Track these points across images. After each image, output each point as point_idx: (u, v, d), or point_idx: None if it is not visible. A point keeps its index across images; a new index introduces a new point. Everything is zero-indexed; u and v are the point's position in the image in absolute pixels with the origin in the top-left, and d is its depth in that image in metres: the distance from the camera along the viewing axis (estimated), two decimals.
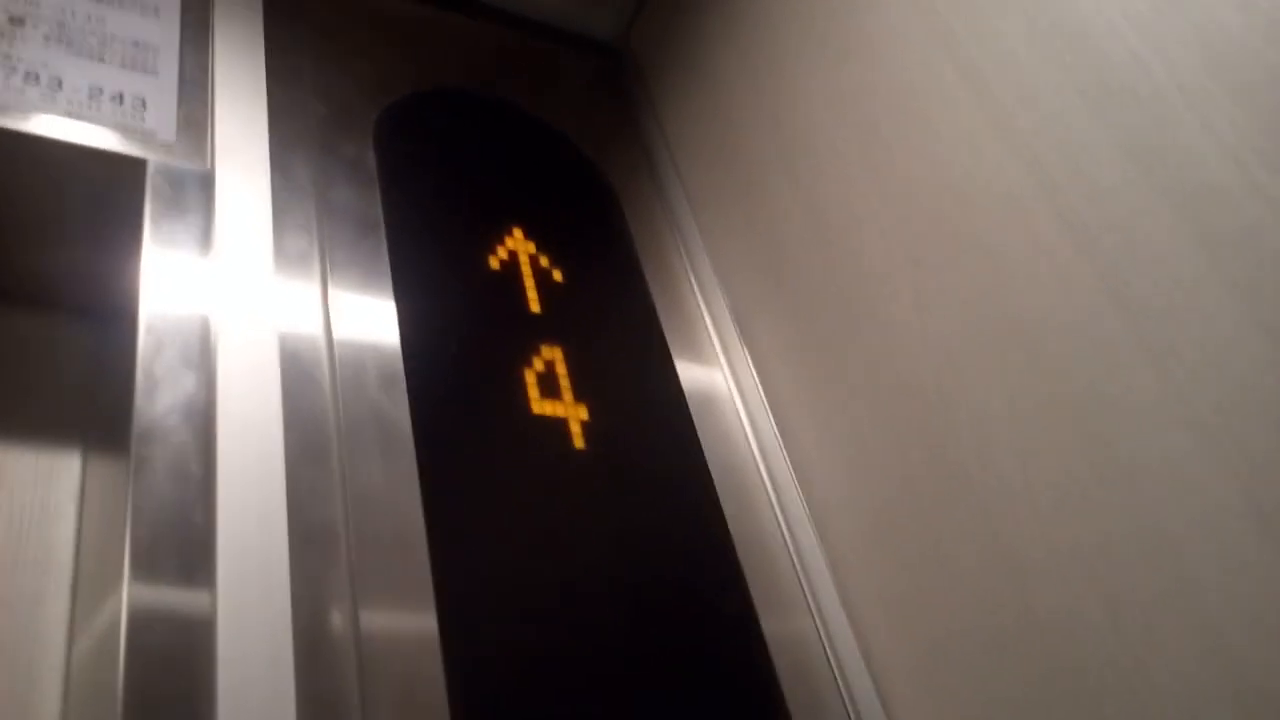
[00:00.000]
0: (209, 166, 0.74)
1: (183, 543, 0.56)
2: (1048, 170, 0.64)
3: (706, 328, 0.91)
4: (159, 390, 0.61)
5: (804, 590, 0.76)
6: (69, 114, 0.72)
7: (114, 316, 0.77)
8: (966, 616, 0.65)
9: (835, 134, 0.81)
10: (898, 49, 0.76)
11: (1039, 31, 0.66)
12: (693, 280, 0.94)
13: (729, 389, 0.87)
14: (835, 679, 0.72)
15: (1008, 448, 0.65)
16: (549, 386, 0.76)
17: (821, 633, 0.74)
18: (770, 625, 0.72)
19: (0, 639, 0.66)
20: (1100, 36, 0.62)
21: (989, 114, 0.68)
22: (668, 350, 0.85)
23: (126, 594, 0.53)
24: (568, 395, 0.76)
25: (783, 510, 0.80)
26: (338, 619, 0.57)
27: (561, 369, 0.77)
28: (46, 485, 0.73)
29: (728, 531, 0.76)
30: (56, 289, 0.80)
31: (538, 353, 0.77)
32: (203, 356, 0.64)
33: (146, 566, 0.55)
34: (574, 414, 0.75)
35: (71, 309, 0.81)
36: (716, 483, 0.79)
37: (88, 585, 0.68)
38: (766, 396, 0.85)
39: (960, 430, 0.68)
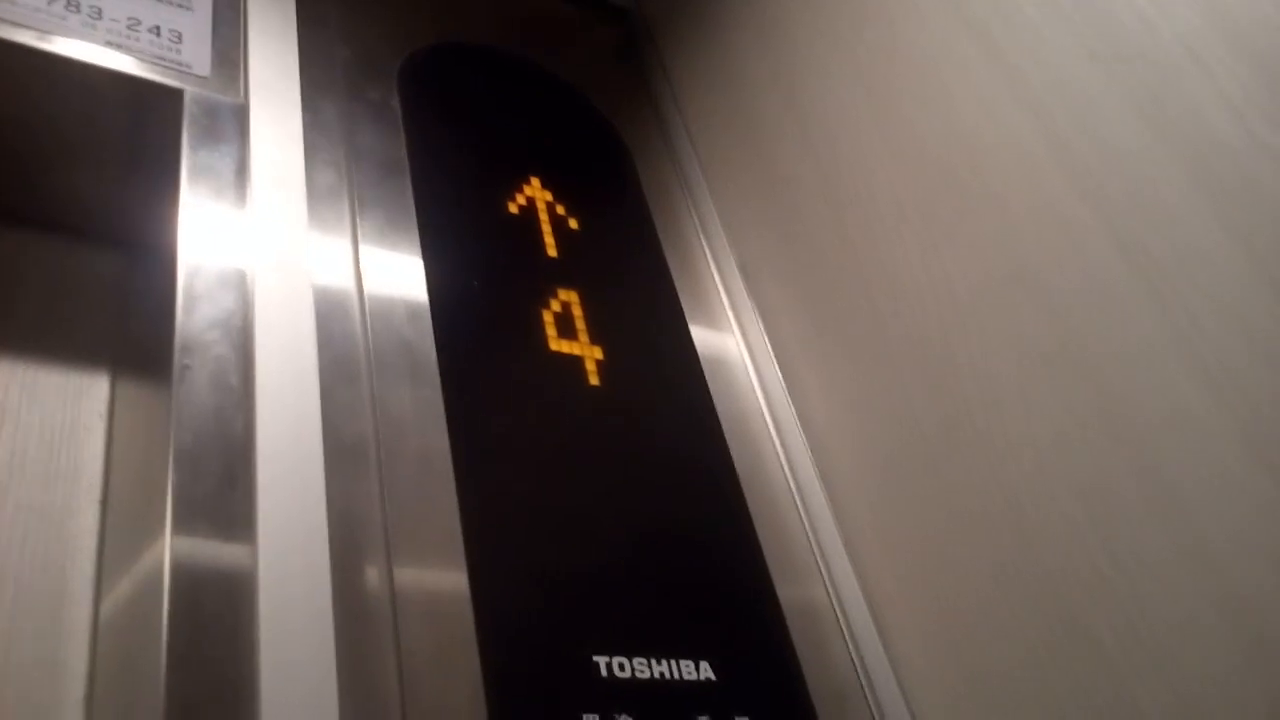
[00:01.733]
0: (243, 100, 0.76)
1: (224, 448, 0.58)
2: (1058, 128, 0.67)
3: (715, 283, 0.94)
4: (198, 307, 0.64)
5: (809, 536, 0.79)
6: (108, 43, 0.74)
7: (143, 244, 0.79)
8: (972, 566, 0.68)
9: (847, 96, 0.84)
10: (911, 12, 0.79)
11: None
12: (702, 237, 0.97)
13: (737, 342, 0.90)
14: (839, 620, 0.75)
15: (1014, 398, 0.67)
16: (565, 327, 0.79)
17: (826, 577, 0.77)
18: (775, 559, 0.75)
19: (34, 547, 0.68)
20: None
21: (1001, 73, 0.71)
22: (678, 301, 0.88)
23: (171, 493, 0.56)
24: (583, 336, 0.79)
25: (788, 457, 0.83)
26: (369, 524, 0.60)
27: (577, 311, 0.80)
28: (76, 403, 0.75)
29: (735, 473, 0.79)
30: (87, 216, 0.82)
31: (555, 295, 0.80)
32: (239, 278, 0.66)
33: (189, 469, 0.57)
34: (589, 354, 0.78)
35: (101, 236, 0.83)
36: (725, 429, 0.82)
37: (117, 496, 0.71)
38: (773, 349, 0.87)
39: (965, 382, 0.71)
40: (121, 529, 0.68)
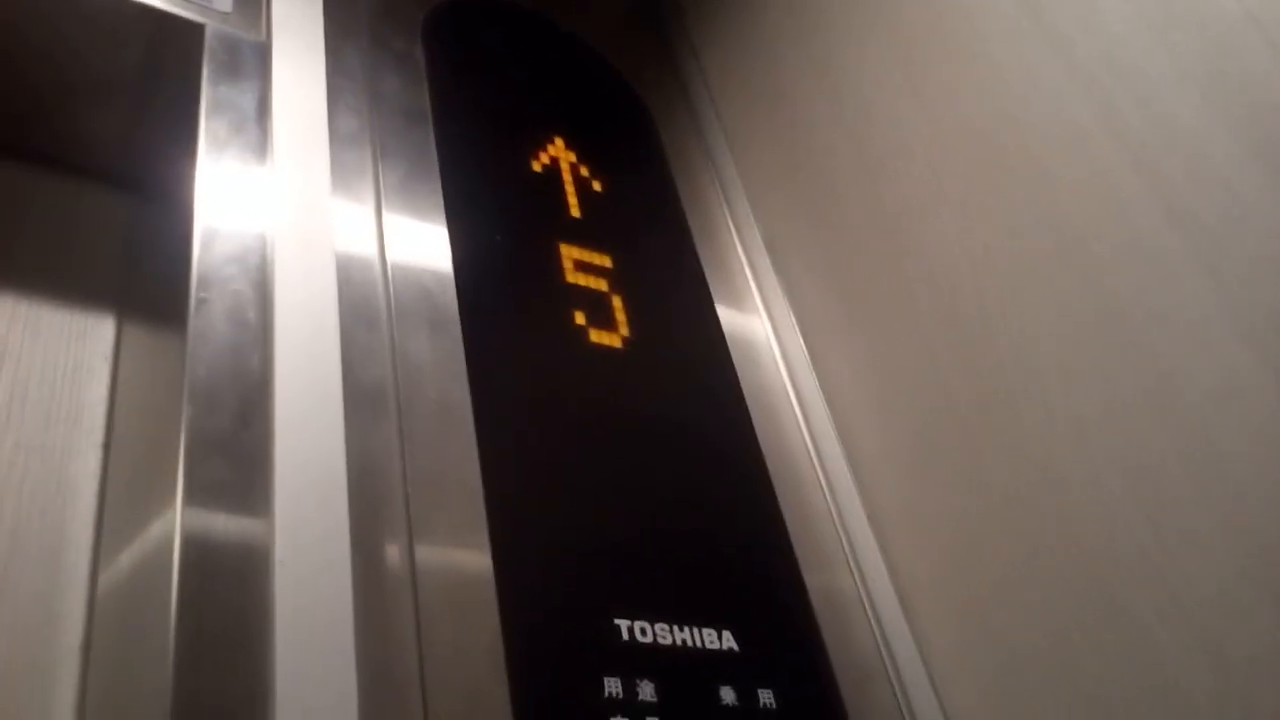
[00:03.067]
0: (265, 38, 0.74)
1: (240, 384, 0.56)
2: (1108, 96, 0.65)
3: (739, 257, 0.92)
4: (217, 242, 0.61)
5: (834, 517, 0.77)
6: None
7: (157, 184, 0.76)
8: (1006, 547, 0.66)
9: (882, 65, 0.82)
10: None
11: None
12: (726, 211, 0.95)
13: (762, 318, 0.88)
14: (864, 601, 0.73)
15: (1055, 374, 0.66)
16: (589, 288, 0.76)
17: (850, 557, 0.75)
18: (800, 537, 0.73)
19: (33, 488, 0.65)
20: None
21: (1049, 43, 0.69)
22: (702, 271, 0.86)
23: (185, 428, 0.53)
24: (607, 298, 0.77)
25: (812, 434, 0.81)
26: (389, 473, 0.57)
27: (602, 270, 0.78)
28: (80, 344, 0.73)
29: (759, 446, 0.77)
30: (100, 154, 0.80)
31: (579, 251, 0.78)
32: (258, 215, 0.64)
33: (204, 404, 0.54)
34: (614, 315, 0.76)
35: (113, 175, 0.80)
36: (749, 405, 0.80)
37: (120, 439, 0.68)
38: (800, 325, 0.86)
39: (1005, 358, 0.69)
40: (124, 473, 0.66)
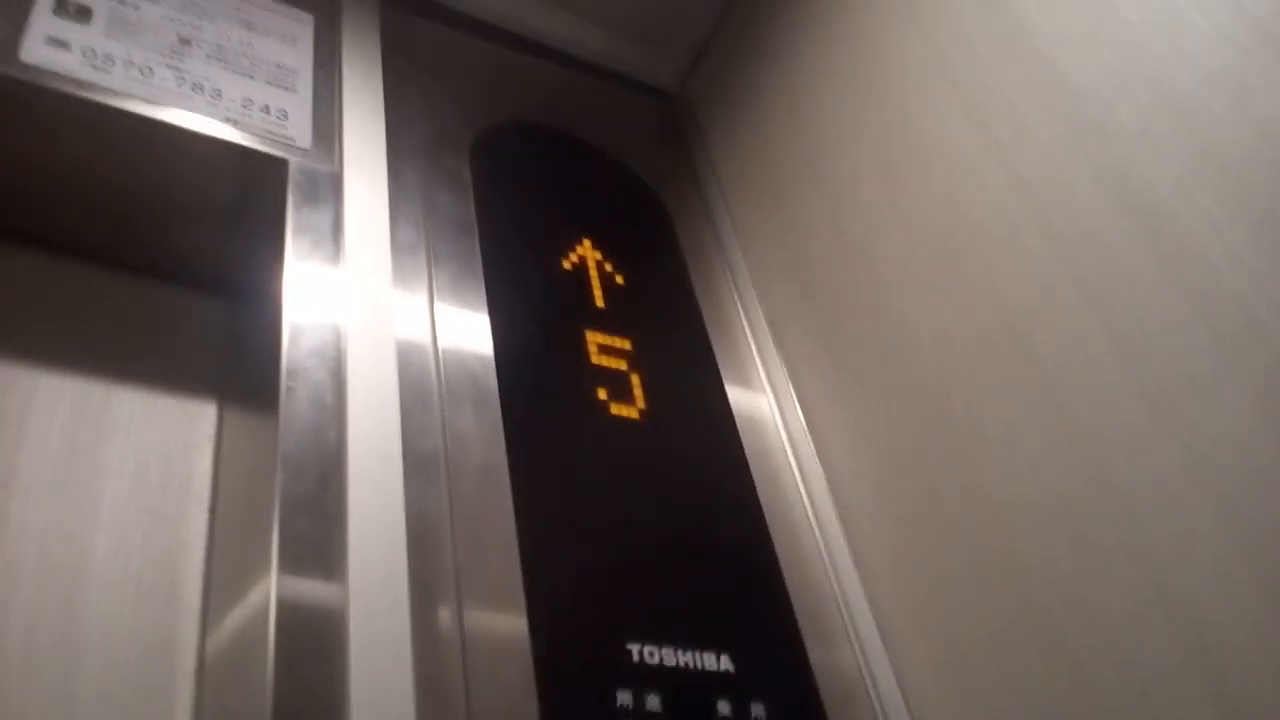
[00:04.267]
0: (338, 169, 0.89)
1: (320, 455, 0.70)
2: (1035, 193, 0.77)
3: (746, 336, 1.05)
4: (301, 339, 0.76)
5: (824, 559, 0.88)
6: (227, 119, 0.87)
7: (248, 291, 0.91)
8: (957, 559, 0.78)
9: (862, 172, 0.95)
10: (912, 96, 0.90)
11: (1034, 82, 0.79)
12: (736, 296, 1.08)
13: (764, 389, 1.00)
14: (847, 628, 0.84)
15: (997, 421, 0.77)
16: (611, 367, 0.90)
17: (836, 590, 0.86)
18: (791, 576, 0.84)
19: (153, 546, 0.79)
20: (1079, 85, 0.76)
21: (992, 153, 0.82)
22: (711, 347, 0.99)
23: (279, 491, 0.67)
24: (627, 376, 0.90)
25: (807, 487, 0.92)
26: (439, 526, 0.71)
27: (621, 352, 0.91)
28: (189, 426, 0.87)
29: (758, 500, 0.89)
30: (200, 267, 0.95)
31: (602, 336, 0.91)
32: (335, 316, 0.78)
33: (294, 472, 0.68)
34: (633, 391, 0.89)
35: (211, 284, 0.96)
36: (753, 469, 0.92)
37: (224, 503, 0.82)
38: (797, 396, 0.98)
39: (958, 409, 0.81)
40: (228, 531, 0.80)
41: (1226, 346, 0.63)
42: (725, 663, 0.74)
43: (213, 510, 0.83)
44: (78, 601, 0.76)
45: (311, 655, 0.61)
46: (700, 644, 0.74)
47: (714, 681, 0.73)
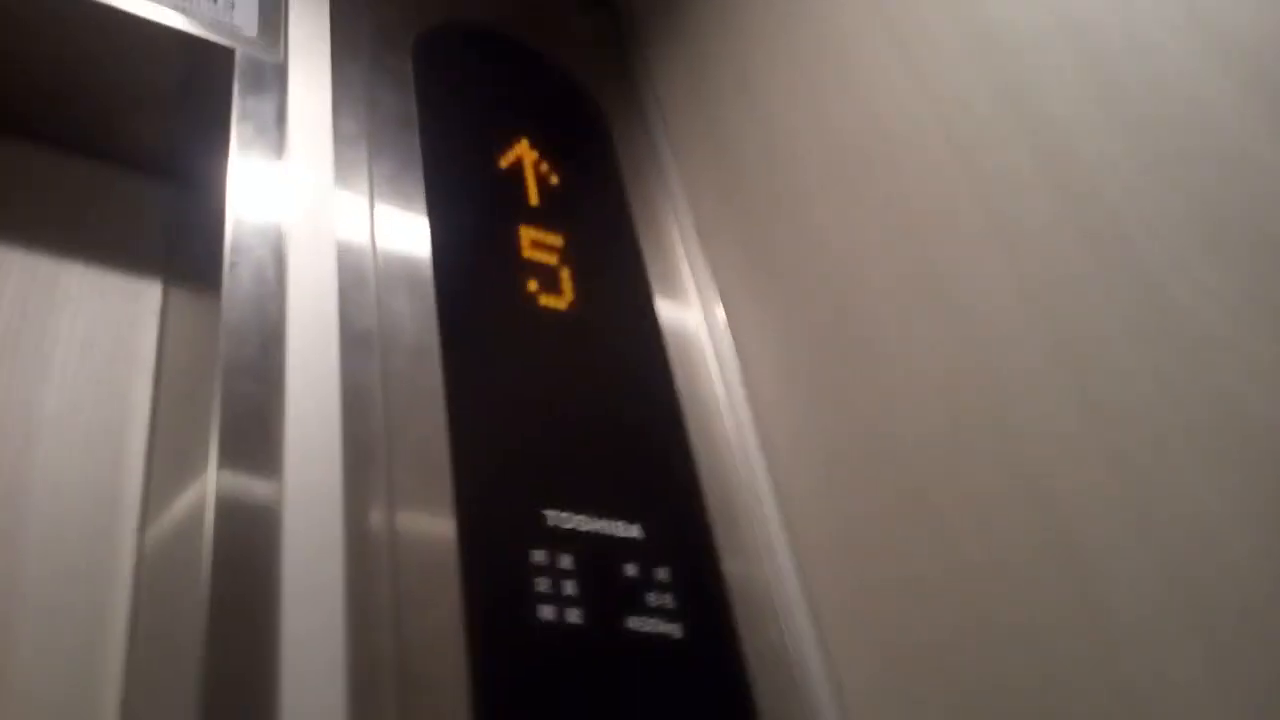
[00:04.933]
0: (283, 59, 0.92)
1: (261, 325, 0.75)
2: (941, 106, 0.83)
3: (675, 241, 1.10)
4: (245, 221, 0.80)
5: (732, 436, 0.95)
6: (175, 6, 0.90)
7: (193, 175, 0.95)
8: (850, 439, 0.85)
9: (786, 81, 1.00)
10: (837, 14, 0.95)
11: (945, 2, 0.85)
12: (668, 203, 1.13)
13: (688, 285, 1.06)
14: (750, 498, 0.91)
15: (892, 316, 0.84)
16: (542, 258, 0.95)
17: (742, 463, 0.93)
18: (701, 452, 0.91)
19: (96, 414, 0.84)
20: (985, 3, 0.81)
21: (903, 63, 0.87)
22: (639, 243, 1.04)
23: (221, 361, 0.72)
24: (556, 267, 0.95)
25: (723, 377, 0.99)
26: (371, 394, 0.76)
27: (553, 247, 0.96)
28: (135, 301, 0.92)
29: (674, 386, 0.95)
30: (146, 152, 0.98)
31: (535, 231, 0.96)
32: (276, 201, 0.82)
33: (235, 341, 0.73)
34: (561, 280, 0.94)
35: (157, 168, 0.99)
36: (671, 358, 0.97)
37: (166, 373, 0.87)
38: (721, 294, 1.04)
39: (860, 305, 0.87)
40: (172, 398, 0.85)
41: (1096, 244, 0.69)
42: (635, 531, 0.81)
43: (157, 381, 0.88)
44: (28, 459, 0.80)
45: (248, 522, 0.66)
46: (612, 513, 0.81)
47: (622, 546, 0.80)
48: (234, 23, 0.92)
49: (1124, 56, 0.69)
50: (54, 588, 0.77)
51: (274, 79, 0.91)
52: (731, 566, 0.85)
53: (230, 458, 0.68)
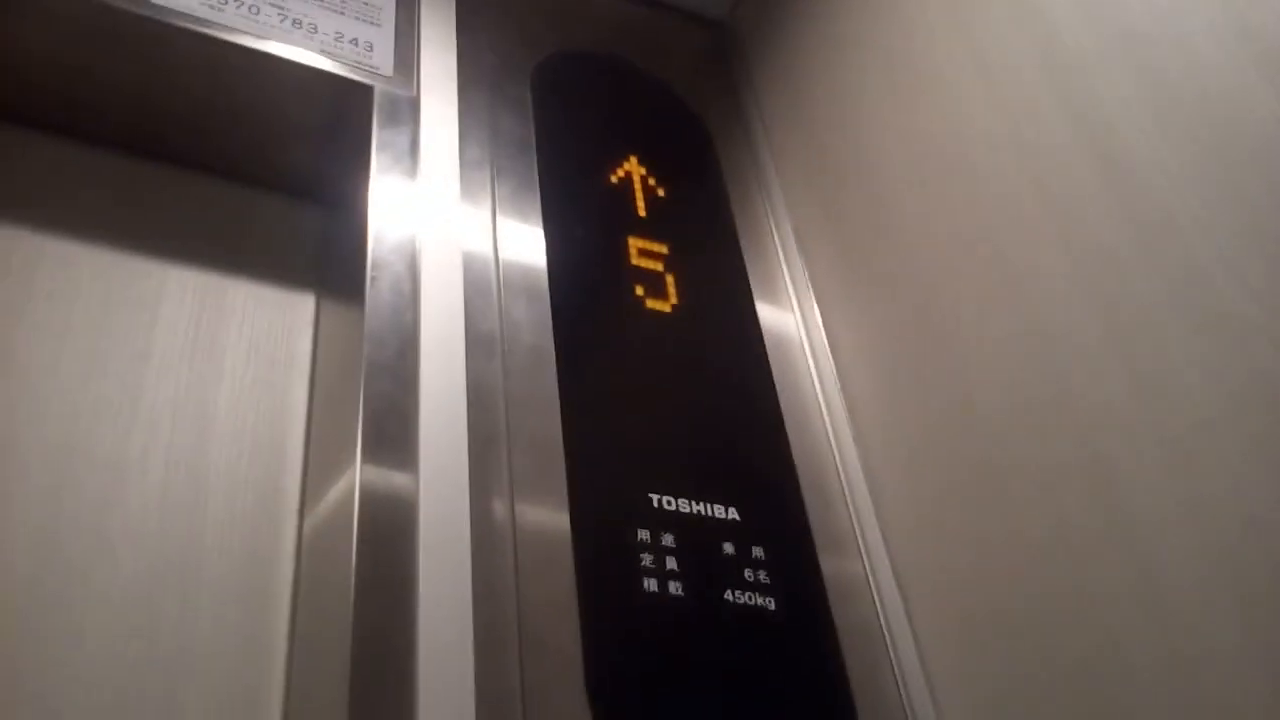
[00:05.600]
0: (416, 94, 1.03)
1: (399, 331, 0.85)
2: (1011, 115, 0.88)
3: (775, 247, 1.17)
4: (384, 240, 0.91)
5: (829, 434, 1.02)
6: (322, 51, 1.02)
7: (339, 200, 1.07)
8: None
9: (877, 94, 1.07)
10: (925, 32, 1.01)
11: (1018, 20, 0.90)
12: (769, 212, 1.20)
13: (790, 298, 1.13)
14: (843, 489, 0.97)
15: (972, 317, 0.89)
16: (649, 265, 1.03)
17: (837, 458, 1.00)
18: (798, 444, 0.98)
19: (261, 410, 0.96)
20: (1054, 20, 0.86)
21: (979, 76, 0.93)
22: (741, 254, 1.12)
23: (365, 361, 0.82)
24: (663, 274, 1.03)
25: (820, 380, 1.05)
26: (493, 391, 0.86)
27: (660, 255, 1.04)
28: (293, 312, 1.04)
29: (774, 386, 1.02)
30: (299, 180, 1.11)
31: (642, 241, 1.04)
32: (411, 220, 0.93)
33: (376, 343, 0.84)
34: (668, 287, 1.02)
35: (308, 194, 1.11)
36: (774, 368, 1.05)
37: (320, 376, 0.99)
38: (816, 298, 1.10)
39: (944, 307, 0.93)
40: (325, 395, 0.96)
41: (1148, 241, 0.74)
42: (733, 514, 0.89)
43: (312, 380, 1.00)
44: (204, 453, 0.93)
45: (389, 494, 0.77)
46: (711, 497, 0.89)
47: (721, 527, 0.87)
48: (373, 62, 1.04)
49: (1176, 69, 0.74)
50: (228, 568, 0.89)
51: (408, 111, 1.02)
52: (824, 546, 0.92)
53: (372, 452, 0.78)
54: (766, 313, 1.08)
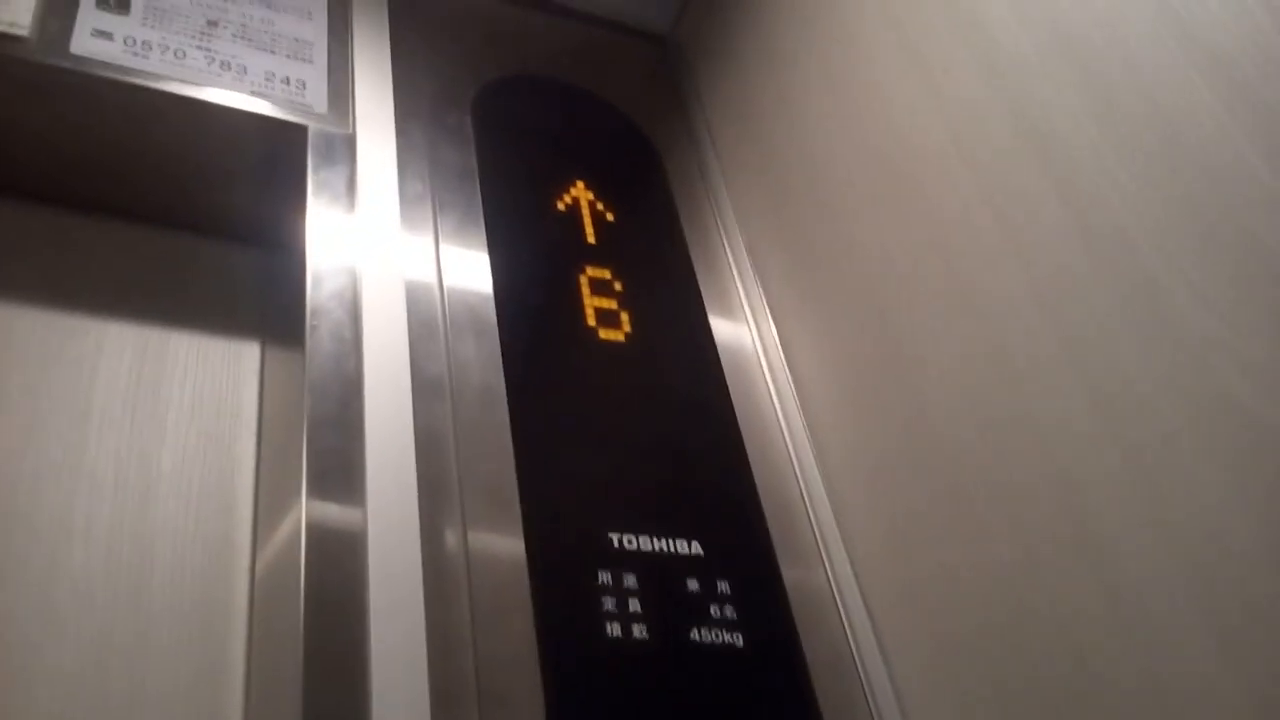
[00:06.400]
0: (351, 131, 1.01)
1: (342, 381, 0.83)
2: (956, 121, 0.87)
3: (729, 265, 1.15)
4: (322, 285, 0.88)
5: (792, 458, 1.00)
6: (252, 92, 0.99)
7: (278, 243, 1.04)
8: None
9: (822, 104, 1.05)
10: (866, 41, 0.99)
11: (958, 23, 0.88)
12: (720, 227, 1.18)
13: (744, 310, 1.11)
14: (808, 514, 0.96)
15: (925, 325, 0.88)
16: (600, 294, 1.01)
17: (801, 484, 0.98)
18: (761, 474, 0.96)
19: (208, 467, 0.94)
20: (991, 24, 0.84)
21: (924, 84, 0.91)
22: (694, 275, 1.10)
23: (307, 413, 0.80)
24: (614, 302, 1.01)
25: (779, 401, 1.03)
26: (443, 438, 0.83)
27: (610, 283, 1.02)
28: (237, 363, 1.01)
29: (733, 412, 1.00)
30: (235, 224, 1.08)
31: (592, 270, 1.02)
32: (351, 263, 0.90)
33: (319, 395, 0.81)
34: (619, 315, 1.00)
35: (246, 238, 1.09)
36: (729, 381, 1.03)
37: (266, 426, 0.96)
38: (772, 315, 1.08)
39: (897, 316, 0.91)
40: (271, 449, 0.94)
41: (1100, 251, 0.72)
42: (695, 548, 0.87)
43: (260, 434, 0.97)
44: (151, 513, 0.90)
45: (337, 547, 0.74)
46: (674, 533, 0.87)
47: (684, 563, 0.85)
48: (306, 101, 1.01)
49: (1118, 75, 0.72)
50: (177, 627, 0.87)
51: (344, 149, 0.99)
52: (790, 574, 0.90)
53: (318, 507, 0.76)
54: (722, 333, 1.06)
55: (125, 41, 0.95)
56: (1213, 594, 0.63)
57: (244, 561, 0.90)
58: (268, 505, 0.91)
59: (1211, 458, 0.63)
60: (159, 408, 0.96)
